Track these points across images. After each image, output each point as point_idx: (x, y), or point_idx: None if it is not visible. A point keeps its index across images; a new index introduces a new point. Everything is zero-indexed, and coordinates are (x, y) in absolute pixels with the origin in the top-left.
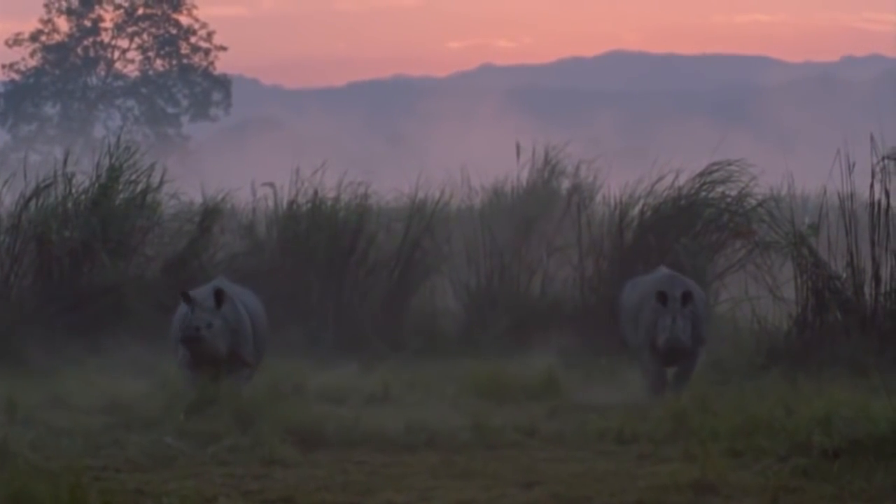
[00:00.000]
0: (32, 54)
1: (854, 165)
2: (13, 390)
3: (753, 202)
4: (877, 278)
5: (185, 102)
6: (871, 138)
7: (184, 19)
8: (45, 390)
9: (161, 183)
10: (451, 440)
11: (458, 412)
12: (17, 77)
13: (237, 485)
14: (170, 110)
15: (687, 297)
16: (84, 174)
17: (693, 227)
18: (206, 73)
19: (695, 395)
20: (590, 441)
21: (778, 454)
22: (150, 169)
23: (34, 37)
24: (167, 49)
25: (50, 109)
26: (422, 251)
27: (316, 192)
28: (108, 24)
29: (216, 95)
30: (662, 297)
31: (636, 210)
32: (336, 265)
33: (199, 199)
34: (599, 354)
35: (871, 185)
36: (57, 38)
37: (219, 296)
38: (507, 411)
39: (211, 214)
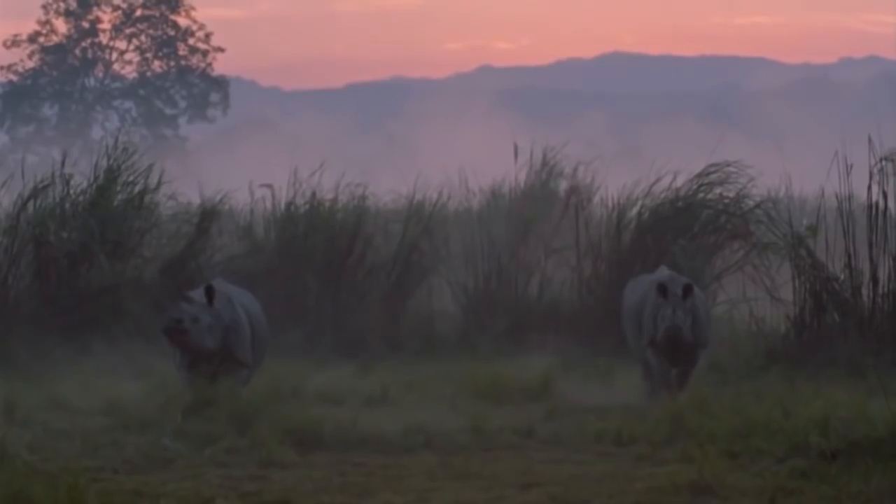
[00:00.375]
0: (30, 56)
1: (852, 167)
2: (11, 392)
3: (751, 203)
4: (874, 280)
5: (182, 104)
6: (869, 140)
7: (182, 21)
8: (43, 392)
9: (159, 184)
10: (449, 442)
11: (455, 414)
12: (15, 78)
13: (235, 486)
14: (168, 111)
15: (688, 290)
16: (82, 175)
17: (691, 229)
18: (204, 75)
19: (693, 397)
20: (587, 443)
21: (776, 456)
22: (147, 170)
23: (32, 38)
24: (165, 50)
25: (48, 111)
26: (419, 253)
27: (314, 194)
28: (105, 26)
29: (214, 97)
30: (663, 290)
31: (634, 211)
32: (334, 267)
33: (196, 201)
34: (597, 356)
35: (869, 187)
36: (55, 39)
37: (209, 292)
38: (504, 413)
39: (209, 216)
